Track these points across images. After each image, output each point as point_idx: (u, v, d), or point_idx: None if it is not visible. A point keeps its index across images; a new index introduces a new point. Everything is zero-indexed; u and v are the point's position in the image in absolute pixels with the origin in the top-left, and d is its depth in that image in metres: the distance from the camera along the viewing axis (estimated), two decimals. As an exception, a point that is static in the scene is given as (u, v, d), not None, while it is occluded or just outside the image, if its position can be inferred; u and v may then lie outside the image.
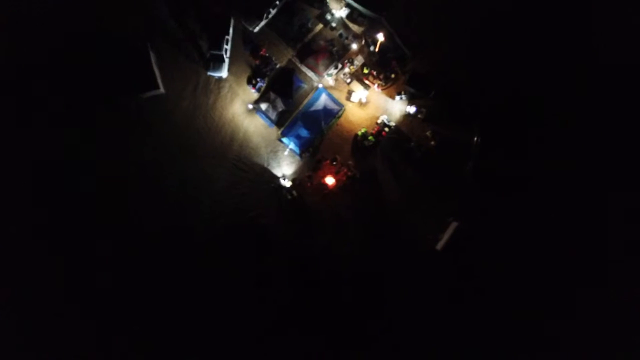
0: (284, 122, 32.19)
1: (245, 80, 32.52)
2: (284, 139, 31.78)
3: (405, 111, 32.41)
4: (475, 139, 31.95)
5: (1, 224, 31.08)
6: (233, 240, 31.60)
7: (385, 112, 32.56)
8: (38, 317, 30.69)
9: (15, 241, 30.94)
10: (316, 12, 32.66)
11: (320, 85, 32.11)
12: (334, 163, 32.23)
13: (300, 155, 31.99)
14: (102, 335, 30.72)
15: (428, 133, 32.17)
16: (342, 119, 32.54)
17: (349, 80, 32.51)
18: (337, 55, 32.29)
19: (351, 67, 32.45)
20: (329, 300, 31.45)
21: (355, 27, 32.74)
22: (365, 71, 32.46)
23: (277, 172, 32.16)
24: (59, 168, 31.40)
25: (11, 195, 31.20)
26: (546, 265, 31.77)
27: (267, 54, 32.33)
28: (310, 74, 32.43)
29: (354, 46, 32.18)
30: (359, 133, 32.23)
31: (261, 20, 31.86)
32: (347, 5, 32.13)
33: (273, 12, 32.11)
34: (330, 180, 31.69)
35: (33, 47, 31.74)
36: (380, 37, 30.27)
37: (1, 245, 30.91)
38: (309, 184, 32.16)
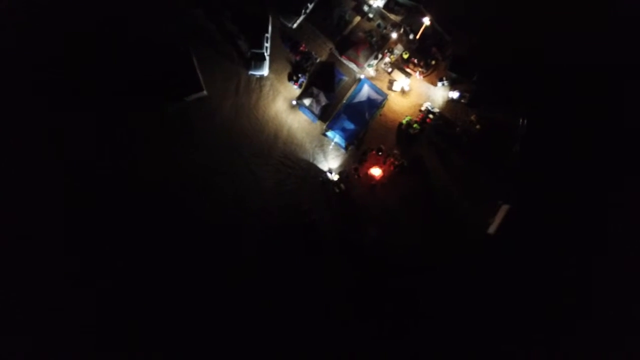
0: (327, 116, 32.18)
1: (286, 77, 32.58)
2: (329, 133, 31.79)
3: (448, 97, 32.26)
4: (521, 120, 31.71)
5: (39, 224, 31.11)
6: (284, 237, 31.63)
7: (428, 99, 32.44)
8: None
9: (56, 242, 31.02)
10: (353, 4, 32.67)
11: (363, 76, 32.10)
12: (380, 153, 32.16)
13: (346, 148, 31.96)
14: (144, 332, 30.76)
15: (473, 117, 31.99)
16: (385, 109, 32.47)
17: (390, 70, 32.44)
18: (376, 45, 32.23)
19: (391, 56, 32.37)
20: (380, 292, 31.36)
21: (393, 17, 32.68)
22: (405, 56, 32.28)
23: (323, 166, 32.20)
24: (108, 171, 31.52)
25: (57, 194, 31.15)
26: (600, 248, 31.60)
27: (306, 49, 32.38)
28: (351, 66, 32.40)
29: (393, 35, 32.10)
30: (403, 121, 32.14)
31: (299, 16, 31.94)
32: (384, -5, 32.17)
33: (310, 7, 32.17)
34: (377, 171, 31.62)
35: (76, 55, 32.03)
36: (426, 20, 30.09)
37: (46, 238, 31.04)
38: (356, 177, 32.11)
